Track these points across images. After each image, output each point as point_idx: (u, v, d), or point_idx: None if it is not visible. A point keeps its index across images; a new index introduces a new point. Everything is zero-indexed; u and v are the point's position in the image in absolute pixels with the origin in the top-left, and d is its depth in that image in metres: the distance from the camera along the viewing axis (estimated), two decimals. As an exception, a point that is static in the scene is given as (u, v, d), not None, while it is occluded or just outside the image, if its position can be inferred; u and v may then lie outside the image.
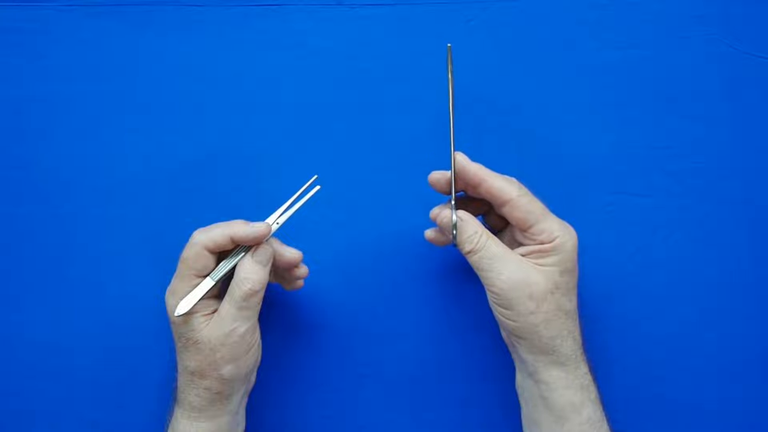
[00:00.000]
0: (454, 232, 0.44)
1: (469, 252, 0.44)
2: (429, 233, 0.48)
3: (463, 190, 0.47)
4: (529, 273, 0.43)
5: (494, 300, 0.44)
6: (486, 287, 0.44)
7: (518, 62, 0.55)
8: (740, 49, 0.54)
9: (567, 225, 0.44)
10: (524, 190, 0.44)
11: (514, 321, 0.43)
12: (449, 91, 0.45)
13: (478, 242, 0.44)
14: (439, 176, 0.46)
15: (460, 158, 0.44)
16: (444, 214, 0.45)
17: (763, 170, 0.53)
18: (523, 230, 0.44)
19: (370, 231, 0.53)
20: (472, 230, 0.44)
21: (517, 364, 0.47)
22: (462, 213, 0.45)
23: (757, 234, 0.52)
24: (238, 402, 0.45)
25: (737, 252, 0.52)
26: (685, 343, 0.51)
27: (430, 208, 0.46)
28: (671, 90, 0.54)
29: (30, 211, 0.53)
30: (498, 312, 0.44)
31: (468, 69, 0.55)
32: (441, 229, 0.47)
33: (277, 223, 0.45)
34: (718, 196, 0.53)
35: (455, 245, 0.45)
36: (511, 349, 0.47)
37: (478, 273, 0.44)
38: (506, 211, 0.44)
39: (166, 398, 0.47)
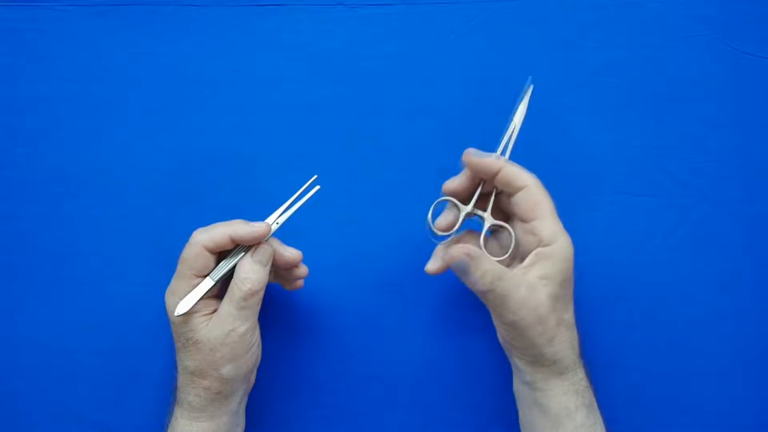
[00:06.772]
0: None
1: (483, 292, 0.42)
2: (432, 266, 0.45)
3: (478, 182, 0.46)
4: (534, 296, 0.41)
5: (505, 334, 0.44)
6: (497, 323, 0.44)
7: (518, 62, 0.55)
8: (740, 49, 0.54)
9: (567, 233, 0.44)
10: (540, 182, 0.44)
11: (522, 345, 0.43)
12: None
13: (491, 281, 0.41)
14: (454, 184, 0.46)
15: (475, 152, 0.44)
16: (452, 252, 0.42)
17: (763, 170, 0.53)
18: (529, 220, 0.43)
19: (370, 231, 0.53)
20: (485, 267, 0.41)
21: (515, 371, 0.47)
22: (471, 249, 0.41)
23: (757, 234, 0.52)
24: (237, 402, 0.45)
25: (737, 252, 0.52)
26: (685, 343, 0.51)
27: (430, 208, 0.46)
28: (671, 90, 0.54)
29: (30, 211, 0.53)
30: (508, 342, 0.44)
31: (468, 69, 0.55)
32: (455, 268, 0.43)
33: (277, 223, 0.45)
34: (718, 196, 0.53)
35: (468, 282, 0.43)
36: (509, 355, 0.46)
37: (489, 309, 0.44)
38: (519, 198, 0.43)
39: (166, 398, 0.47)
